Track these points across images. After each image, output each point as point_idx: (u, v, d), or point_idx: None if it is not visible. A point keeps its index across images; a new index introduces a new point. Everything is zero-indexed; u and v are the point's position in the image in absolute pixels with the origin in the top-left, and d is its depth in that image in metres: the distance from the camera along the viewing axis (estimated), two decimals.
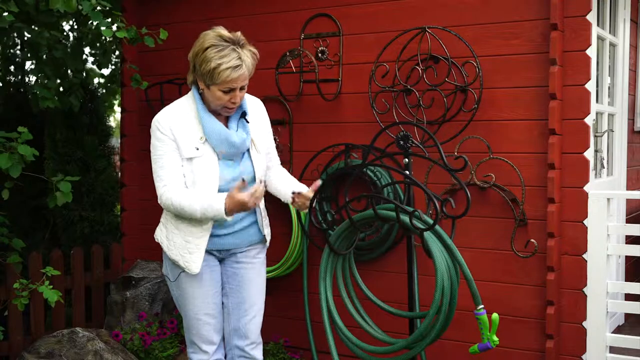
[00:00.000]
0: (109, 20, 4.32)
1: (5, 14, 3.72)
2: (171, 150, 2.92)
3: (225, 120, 3.01)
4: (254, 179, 3.03)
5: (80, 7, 3.84)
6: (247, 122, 3.00)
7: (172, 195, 2.91)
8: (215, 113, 2.97)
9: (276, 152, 3.26)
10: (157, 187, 2.97)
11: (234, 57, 2.79)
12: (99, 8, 3.89)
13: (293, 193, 3.05)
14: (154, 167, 2.97)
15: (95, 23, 4.02)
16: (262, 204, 3.11)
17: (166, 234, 3.05)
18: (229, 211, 2.83)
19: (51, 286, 3.53)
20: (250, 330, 3.12)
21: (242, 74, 2.81)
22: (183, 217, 2.96)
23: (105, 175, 5.63)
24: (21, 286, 3.56)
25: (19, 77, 6.50)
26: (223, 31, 2.85)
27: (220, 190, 2.95)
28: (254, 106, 3.11)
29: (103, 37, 5.20)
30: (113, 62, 6.78)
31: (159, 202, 2.98)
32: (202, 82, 2.87)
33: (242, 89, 2.88)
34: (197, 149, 2.91)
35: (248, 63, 2.83)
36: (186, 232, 2.98)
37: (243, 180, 2.84)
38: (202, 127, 2.92)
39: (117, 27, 4.00)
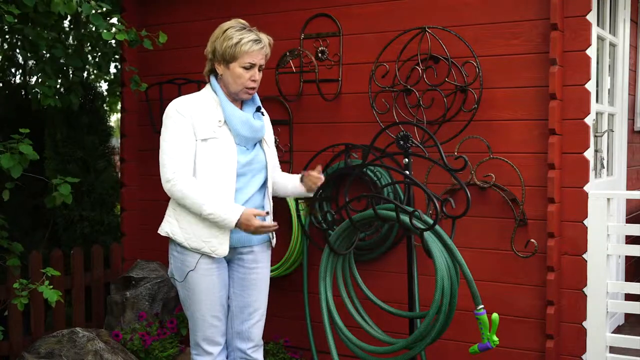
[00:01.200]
0: (110, 21, 4.31)
1: (6, 16, 3.71)
2: (187, 131, 2.94)
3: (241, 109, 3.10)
4: (265, 167, 3.10)
5: (79, 10, 3.83)
6: (263, 114, 3.13)
7: (181, 183, 2.90)
8: (234, 101, 3.06)
9: (278, 162, 3.37)
10: (164, 167, 2.93)
11: (253, 34, 2.98)
12: (99, 10, 3.87)
13: (303, 172, 3.22)
14: (165, 147, 2.94)
15: (94, 26, 4.02)
16: (269, 206, 3.15)
17: (179, 225, 3.01)
18: (238, 224, 2.90)
19: (51, 286, 3.52)
20: (253, 333, 3.13)
21: (262, 48, 2.98)
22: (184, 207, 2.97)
23: (105, 175, 5.63)
24: (21, 286, 3.56)
25: (20, 76, 6.49)
26: (239, 19, 3.05)
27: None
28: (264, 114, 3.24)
29: (103, 43, 5.20)
30: (115, 61, 6.75)
31: (163, 185, 2.95)
32: (222, 64, 2.98)
33: (260, 70, 3.01)
34: (214, 132, 2.97)
35: (266, 42, 3.01)
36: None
37: (267, 212, 3.02)
38: (222, 111, 2.99)
39: (116, 29, 3.99)
